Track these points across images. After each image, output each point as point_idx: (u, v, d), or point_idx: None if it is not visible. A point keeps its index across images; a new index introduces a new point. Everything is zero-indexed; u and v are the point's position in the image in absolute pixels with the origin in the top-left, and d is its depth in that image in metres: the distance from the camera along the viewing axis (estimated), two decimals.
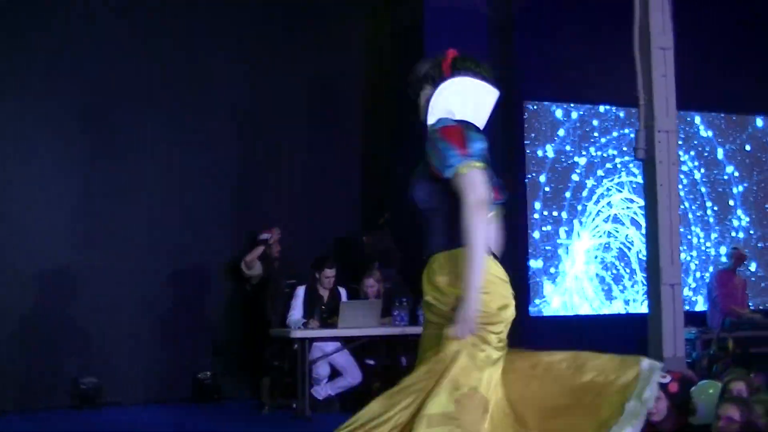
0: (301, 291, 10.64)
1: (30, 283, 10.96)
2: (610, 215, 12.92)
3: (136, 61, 11.50)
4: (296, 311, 10.52)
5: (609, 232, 12.90)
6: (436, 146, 4.20)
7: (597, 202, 12.83)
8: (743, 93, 13.54)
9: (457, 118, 4.32)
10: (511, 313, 4.41)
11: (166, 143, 11.62)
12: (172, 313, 11.54)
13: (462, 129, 4.23)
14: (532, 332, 11.88)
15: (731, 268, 12.70)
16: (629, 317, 12.34)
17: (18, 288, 10.89)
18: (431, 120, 4.37)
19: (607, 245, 12.87)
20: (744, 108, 13.92)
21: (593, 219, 12.78)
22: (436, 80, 4.41)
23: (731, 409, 5.95)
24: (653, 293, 9.25)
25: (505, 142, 12.02)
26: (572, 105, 12.78)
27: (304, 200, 12.11)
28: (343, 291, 10.81)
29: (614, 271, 12.93)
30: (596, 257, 12.81)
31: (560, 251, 12.56)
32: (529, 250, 12.34)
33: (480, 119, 4.41)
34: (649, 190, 9.38)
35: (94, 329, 11.14)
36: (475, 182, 4.11)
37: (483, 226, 4.09)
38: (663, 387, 6.09)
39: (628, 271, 12.99)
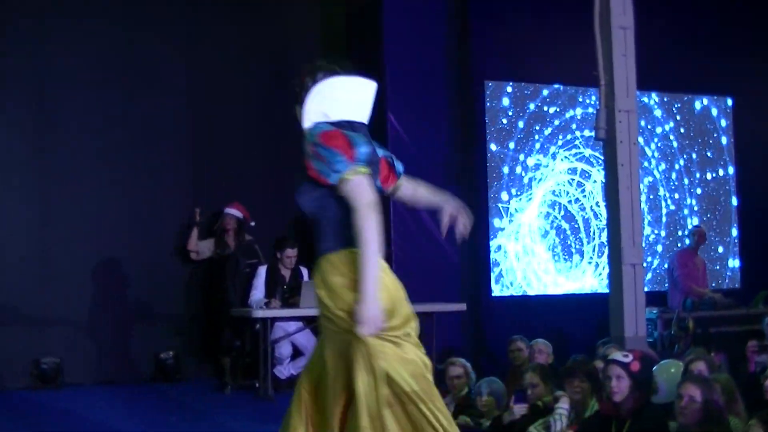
0: (262, 271, 10.62)
1: None
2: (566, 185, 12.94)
3: (86, 43, 11.44)
4: (258, 291, 10.51)
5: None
6: (318, 152, 4.24)
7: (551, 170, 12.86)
8: (699, 73, 13.58)
9: (335, 119, 4.36)
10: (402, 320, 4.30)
11: (122, 124, 11.53)
12: (133, 293, 11.48)
13: (343, 133, 4.28)
14: (494, 314, 11.90)
15: (692, 247, 12.74)
16: (591, 296, 12.36)
17: None
18: (307, 124, 4.40)
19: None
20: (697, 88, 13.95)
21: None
22: (301, 95, 4.45)
23: (692, 388, 5.97)
24: (614, 273, 9.30)
25: (466, 121, 12.01)
26: (531, 84, 12.73)
27: (263, 180, 12.04)
28: (305, 271, 10.79)
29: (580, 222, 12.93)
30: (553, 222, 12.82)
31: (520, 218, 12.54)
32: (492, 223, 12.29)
33: (362, 114, 4.46)
34: (609, 170, 9.42)
35: (54, 309, 11.08)
36: (362, 187, 4.18)
37: (376, 228, 4.13)
38: (624, 366, 6.11)
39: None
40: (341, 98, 4.39)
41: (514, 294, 12.33)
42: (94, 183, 11.39)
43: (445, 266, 11.51)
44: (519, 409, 7.27)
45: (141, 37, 11.67)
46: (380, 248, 4.15)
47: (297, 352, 10.74)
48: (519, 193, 12.49)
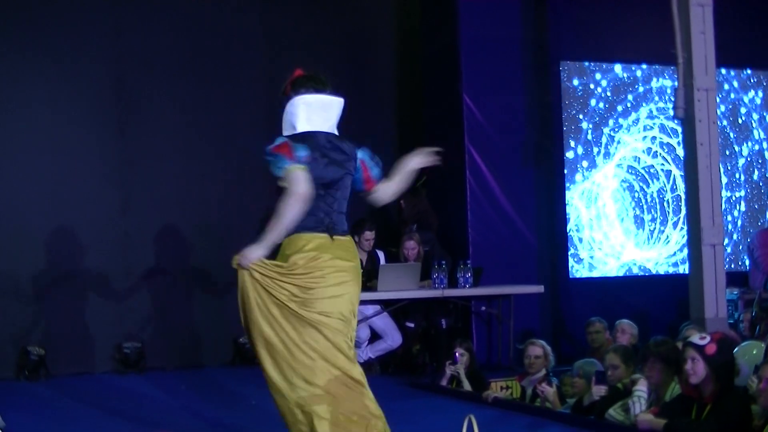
0: None
1: (71, 249, 11.09)
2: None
3: (164, 28, 11.60)
4: None
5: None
6: (269, 159, 5.34)
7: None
8: None
9: (300, 130, 5.42)
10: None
11: (201, 109, 11.65)
12: (211, 278, 11.57)
13: (287, 143, 5.35)
14: (573, 296, 11.82)
15: None
16: (669, 277, 12.23)
17: (59, 253, 11.06)
18: (284, 133, 5.49)
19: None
20: None
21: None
22: (282, 99, 5.61)
23: None
24: (694, 253, 9.23)
25: (542, 102, 11.91)
26: (607, 63, 12.57)
27: None
28: (381, 254, 10.79)
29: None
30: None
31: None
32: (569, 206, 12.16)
33: (329, 125, 5.57)
34: (688, 149, 9.34)
35: (135, 294, 11.28)
36: (296, 180, 5.21)
37: (292, 213, 5.20)
38: (699, 349, 6.05)
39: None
40: (306, 115, 5.48)
41: (593, 276, 12.22)
42: (175, 168, 11.51)
43: (522, 248, 11.45)
44: (599, 391, 7.24)
45: (219, 22, 11.78)
46: (286, 228, 5.23)
47: (375, 336, 10.76)
48: (597, 167, 12.36)
